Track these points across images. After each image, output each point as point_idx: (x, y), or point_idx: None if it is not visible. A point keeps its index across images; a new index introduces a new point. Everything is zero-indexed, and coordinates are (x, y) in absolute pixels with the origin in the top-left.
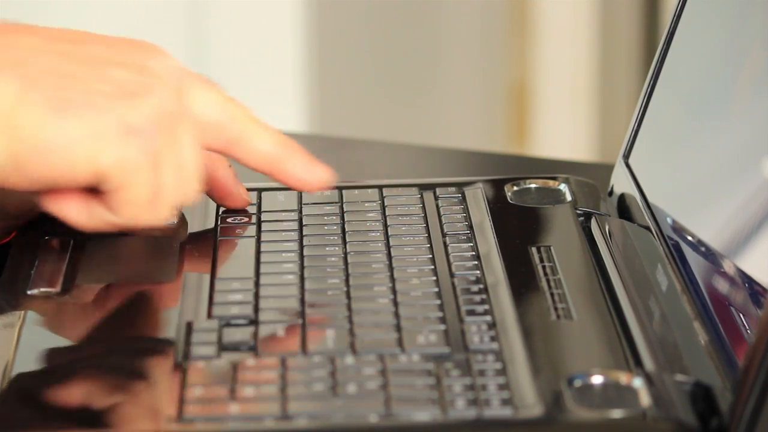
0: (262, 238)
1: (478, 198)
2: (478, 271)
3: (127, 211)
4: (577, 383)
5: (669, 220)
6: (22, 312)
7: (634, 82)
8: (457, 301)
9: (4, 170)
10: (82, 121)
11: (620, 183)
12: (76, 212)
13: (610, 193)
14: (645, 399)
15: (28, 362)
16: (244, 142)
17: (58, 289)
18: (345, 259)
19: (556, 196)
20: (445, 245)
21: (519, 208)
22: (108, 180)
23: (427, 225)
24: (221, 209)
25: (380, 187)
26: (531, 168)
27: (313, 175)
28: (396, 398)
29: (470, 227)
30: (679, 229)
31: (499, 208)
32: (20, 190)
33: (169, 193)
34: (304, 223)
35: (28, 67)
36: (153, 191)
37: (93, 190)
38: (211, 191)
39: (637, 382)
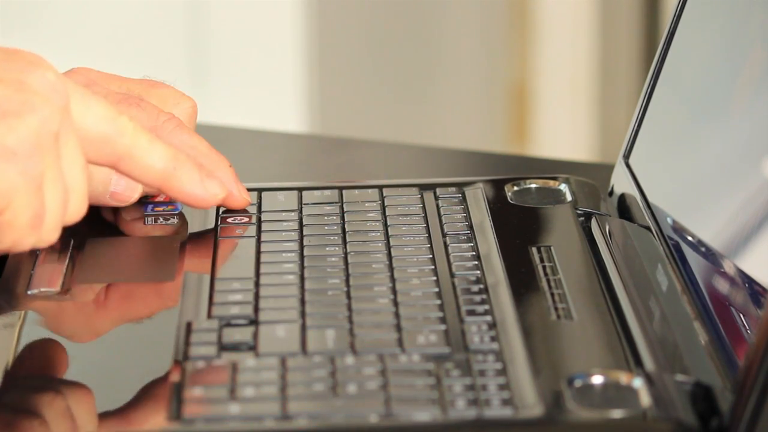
0: (262, 238)
1: (478, 198)
2: (478, 271)
3: (7, 236)
4: (578, 383)
5: (669, 220)
6: (22, 312)
7: (634, 82)
8: (458, 301)
9: None
10: None
11: (620, 183)
12: None
13: (611, 193)
14: (645, 399)
15: (28, 362)
16: (133, 158)
17: (58, 288)
18: (345, 259)
19: (557, 196)
20: (446, 245)
21: (519, 208)
22: None
23: (428, 225)
24: (221, 209)
25: (380, 187)
26: (531, 168)
27: (206, 190)
28: (396, 398)
29: (470, 227)
30: (679, 229)
31: (499, 208)
32: None
33: (54, 215)
34: (304, 223)
35: None
36: (35, 214)
37: None
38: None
39: (638, 382)
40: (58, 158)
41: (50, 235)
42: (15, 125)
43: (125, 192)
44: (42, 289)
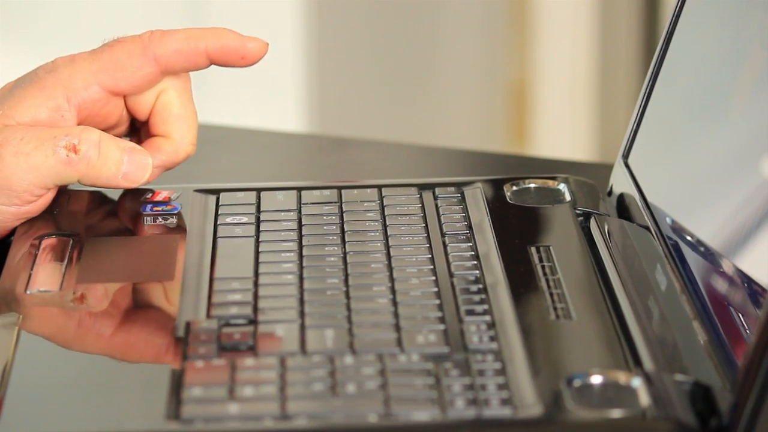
0: (261, 238)
1: (477, 198)
2: (477, 271)
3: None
4: (577, 383)
5: (668, 220)
6: (22, 311)
7: (633, 82)
8: (457, 300)
9: None
10: None
11: (619, 183)
12: None
13: (610, 193)
14: (644, 399)
15: (28, 362)
16: None
17: (57, 288)
18: (344, 258)
19: (556, 196)
20: (445, 245)
21: (518, 208)
22: None
23: (427, 225)
24: (221, 208)
25: (379, 187)
26: (530, 168)
27: None
28: (395, 398)
29: (469, 227)
30: (678, 229)
31: (498, 207)
32: None
33: None
34: (303, 222)
35: None
36: None
37: None
38: (226, 60)
39: (637, 382)
40: None
41: None
42: None
43: (136, 172)
44: (41, 289)
